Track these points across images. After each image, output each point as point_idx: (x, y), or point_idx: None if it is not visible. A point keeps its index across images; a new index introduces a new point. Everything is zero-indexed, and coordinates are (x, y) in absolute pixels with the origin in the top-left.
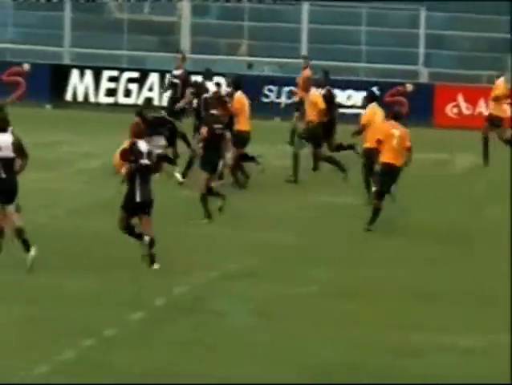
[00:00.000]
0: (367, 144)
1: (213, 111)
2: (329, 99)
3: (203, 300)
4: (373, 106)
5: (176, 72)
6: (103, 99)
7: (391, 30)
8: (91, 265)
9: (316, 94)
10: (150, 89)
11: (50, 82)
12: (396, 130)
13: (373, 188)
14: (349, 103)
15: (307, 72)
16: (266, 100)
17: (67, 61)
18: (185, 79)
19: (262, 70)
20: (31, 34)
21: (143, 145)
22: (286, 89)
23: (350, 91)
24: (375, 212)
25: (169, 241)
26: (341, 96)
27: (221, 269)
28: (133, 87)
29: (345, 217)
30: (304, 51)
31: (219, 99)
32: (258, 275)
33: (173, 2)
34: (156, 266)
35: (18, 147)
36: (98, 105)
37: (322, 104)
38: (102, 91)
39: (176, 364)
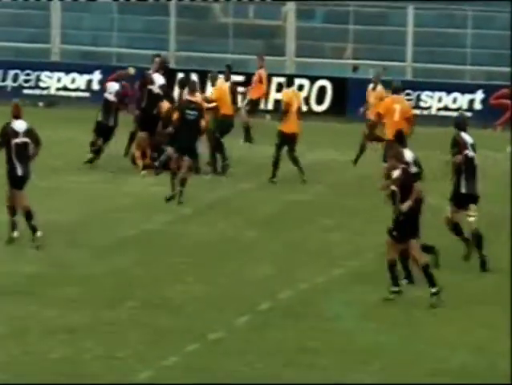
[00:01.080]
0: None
1: (189, 98)
2: (233, 92)
3: (310, 305)
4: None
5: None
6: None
7: (496, 33)
8: (195, 271)
9: (223, 87)
10: None
11: None
12: (398, 104)
13: None
14: (454, 106)
15: (262, 71)
16: None
17: (172, 65)
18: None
19: (367, 73)
20: (136, 39)
21: (20, 125)
22: None
23: (455, 94)
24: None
25: (270, 247)
26: (446, 99)
27: (326, 274)
28: (238, 90)
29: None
30: (409, 54)
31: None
32: (365, 278)
33: (278, 5)
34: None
35: None
36: None
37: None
38: (207, 94)
39: (281, 369)
